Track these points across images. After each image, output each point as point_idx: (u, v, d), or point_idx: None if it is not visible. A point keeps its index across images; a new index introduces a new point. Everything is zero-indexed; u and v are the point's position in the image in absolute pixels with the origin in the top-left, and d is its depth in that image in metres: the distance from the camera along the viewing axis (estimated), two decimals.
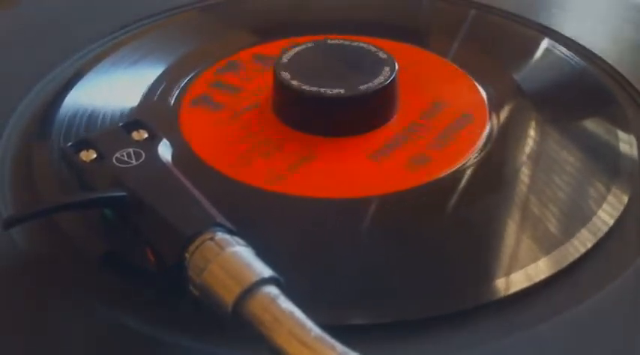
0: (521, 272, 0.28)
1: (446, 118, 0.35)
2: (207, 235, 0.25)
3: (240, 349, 0.26)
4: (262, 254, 0.25)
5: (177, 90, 0.37)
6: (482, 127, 0.35)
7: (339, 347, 0.23)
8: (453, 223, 0.31)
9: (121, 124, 0.31)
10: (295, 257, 0.29)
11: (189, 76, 0.38)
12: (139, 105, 0.36)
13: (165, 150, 0.29)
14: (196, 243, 0.25)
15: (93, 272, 0.29)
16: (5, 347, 0.26)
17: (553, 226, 0.31)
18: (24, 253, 0.30)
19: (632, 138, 0.34)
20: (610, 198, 0.31)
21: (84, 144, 0.30)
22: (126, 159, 0.29)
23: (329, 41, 0.37)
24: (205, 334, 0.26)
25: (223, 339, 0.26)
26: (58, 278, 0.29)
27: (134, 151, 0.29)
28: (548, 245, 0.29)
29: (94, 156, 0.29)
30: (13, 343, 0.27)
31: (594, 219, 0.30)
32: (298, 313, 0.23)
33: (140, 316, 0.27)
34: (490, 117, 0.35)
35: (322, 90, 0.34)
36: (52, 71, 0.38)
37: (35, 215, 0.28)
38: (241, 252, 0.25)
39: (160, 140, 0.30)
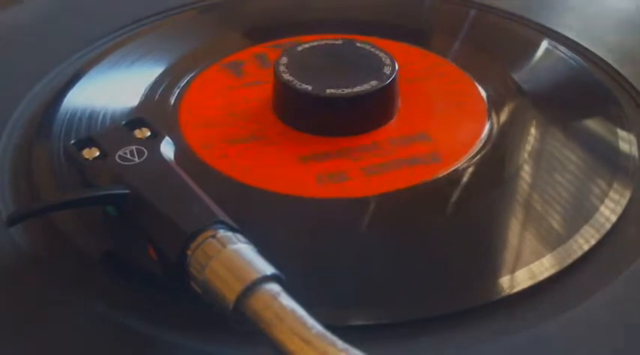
0: (523, 272, 0.29)
1: (446, 118, 0.35)
2: (209, 232, 0.25)
3: (240, 349, 0.26)
4: (262, 253, 0.25)
5: (177, 90, 0.37)
6: (483, 127, 0.35)
7: (340, 344, 0.23)
8: (455, 222, 0.31)
9: (123, 122, 0.31)
10: (295, 257, 0.29)
11: (189, 76, 0.38)
12: (138, 105, 0.36)
13: (167, 148, 0.29)
14: (198, 240, 0.25)
15: (93, 273, 0.29)
16: (5, 347, 0.26)
17: (556, 223, 0.31)
18: (24, 253, 0.30)
19: (632, 137, 0.34)
20: (611, 197, 0.31)
21: (87, 142, 0.30)
22: (128, 156, 0.29)
23: (329, 41, 0.37)
24: (205, 334, 0.26)
25: (223, 339, 0.26)
26: (58, 278, 0.29)
27: (137, 149, 0.29)
28: (549, 244, 0.30)
29: (97, 154, 0.29)
30: (13, 343, 0.26)
31: (595, 218, 0.31)
32: (300, 310, 0.23)
33: (140, 316, 0.27)
34: (490, 117, 0.35)
35: (322, 90, 0.34)
36: (52, 71, 0.38)
37: (39, 212, 0.28)
38: (243, 249, 0.25)
39: (162, 138, 0.30)
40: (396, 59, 0.35)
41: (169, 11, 0.43)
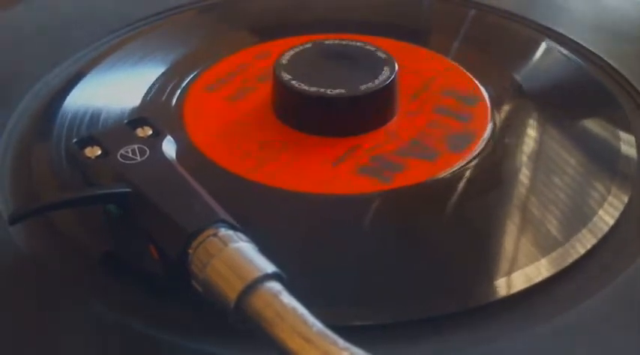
0: (522, 272, 0.28)
1: (446, 118, 0.35)
2: (211, 231, 0.25)
3: (240, 349, 0.26)
4: (263, 251, 0.25)
5: (178, 90, 0.37)
6: (483, 127, 0.35)
7: (342, 342, 0.22)
8: (454, 223, 0.31)
9: (125, 121, 0.31)
10: (295, 257, 0.29)
11: (190, 76, 0.38)
12: (139, 105, 0.36)
13: (169, 147, 0.29)
14: (200, 238, 0.25)
15: (93, 273, 0.29)
16: (5, 347, 0.26)
17: (553, 227, 0.31)
18: (24, 253, 0.30)
19: (632, 138, 0.34)
20: (610, 198, 0.32)
21: (88, 140, 0.30)
22: (130, 155, 0.29)
23: (329, 41, 0.37)
24: (205, 334, 0.26)
25: (223, 339, 0.26)
26: (58, 278, 0.29)
27: (138, 148, 0.29)
28: (548, 245, 0.30)
29: (99, 152, 0.29)
30: (14, 343, 0.26)
31: (595, 219, 0.31)
32: (301, 309, 0.23)
33: (140, 316, 0.27)
34: (491, 117, 0.35)
35: (322, 90, 0.34)
36: (52, 71, 0.38)
37: (40, 210, 0.28)
38: (244, 247, 0.25)
39: (164, 137, 0.30)
40: (396, 59, 0.35)
41: (169, 11, 0.43)
